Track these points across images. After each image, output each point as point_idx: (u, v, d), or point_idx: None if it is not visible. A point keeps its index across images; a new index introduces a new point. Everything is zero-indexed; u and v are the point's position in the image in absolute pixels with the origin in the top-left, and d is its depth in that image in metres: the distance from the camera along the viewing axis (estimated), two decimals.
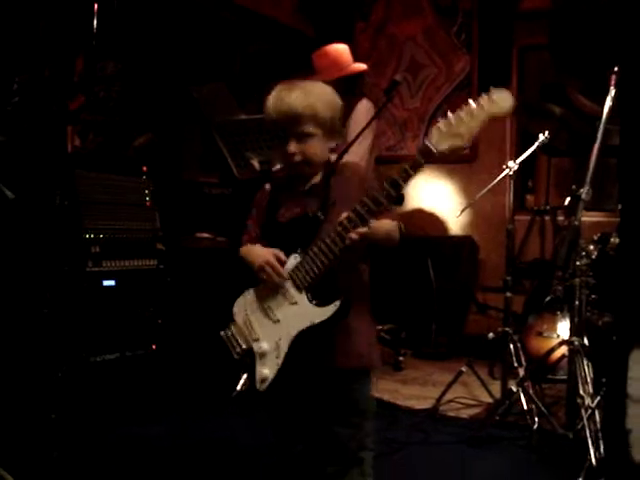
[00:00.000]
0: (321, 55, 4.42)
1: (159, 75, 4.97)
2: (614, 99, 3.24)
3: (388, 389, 4.41)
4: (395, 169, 1.91)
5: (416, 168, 1.89)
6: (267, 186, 2.32)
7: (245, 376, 2.14)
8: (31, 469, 2.78)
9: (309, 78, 4.37)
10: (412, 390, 4.43)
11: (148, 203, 4.01)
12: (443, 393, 3.92)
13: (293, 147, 2.12)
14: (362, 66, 4.47)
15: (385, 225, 2.05)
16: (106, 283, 3.72)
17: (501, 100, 1.82)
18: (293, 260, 2.07)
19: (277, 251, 2.10)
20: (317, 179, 2.18)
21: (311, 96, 2.10)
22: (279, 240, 2.13)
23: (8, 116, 3.70)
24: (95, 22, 4.17)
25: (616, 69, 3.22)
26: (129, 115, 4.57)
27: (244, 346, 2.17)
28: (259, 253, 2.14)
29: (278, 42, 6.07)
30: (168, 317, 3.97)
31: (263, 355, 2.11)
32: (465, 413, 3.90)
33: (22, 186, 3.27)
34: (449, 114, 1.85)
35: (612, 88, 3.26)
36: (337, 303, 2.00)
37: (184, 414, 3.62)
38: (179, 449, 3.23)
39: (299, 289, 2.06)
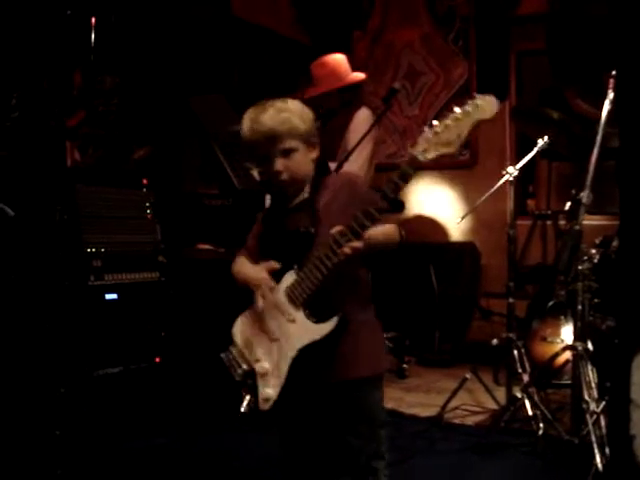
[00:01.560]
0: (319, 66, 4.43)
1: (158, 88, 4.98)
2: (612, 102, 3.24)
3: (392, 397, 4.39)
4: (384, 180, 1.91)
5: (405, 179, 1.88)
6: (268, 199, 2.33)
7: (248, 397, 2.12)
8: None
9: (308, 89, 4.41)
10: (417, 398, 4.42)
11: (149, 216, 4.01)
12: (448, 400, 3.91)
13: (279, 165, 2.10)
14: (360, 75, 4.48)
15: (381, 231, 2.03)
16: (108, 297, 3.72)
17: (486, 105, 1.81)
18: (289, 277, 2.05)
19: (267, 263, 2.11)
20: (305, 194, 2.16)
21: (284, 112, 2.10)
22: (275, 257, 2.12)
23: (7, 132, 3.70)
24: (93, 36, 4.18)
25: (614, 72, 3.23)
26: (128, 128, 4.58)
27: (245, 367, 2.14)
28: (250, 273, 2.16)
29: (276, 53, 6.08)
30: (171, 329, 3.97)
31: (265, 375, 2.09)
32: (470, 420, 3.89)
33: (22, 201, 3.28)
34: (435, 122, 1.85)
35: (610, 91, 3.26)
36: (335, 319, 1.98)
37: (188, 427, 3.61)
38: (183, 462, 3.23)
39: (296, 306, 2.04)
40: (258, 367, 2.11)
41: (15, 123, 3.75)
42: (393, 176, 1.88)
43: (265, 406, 2.08)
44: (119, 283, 3.78)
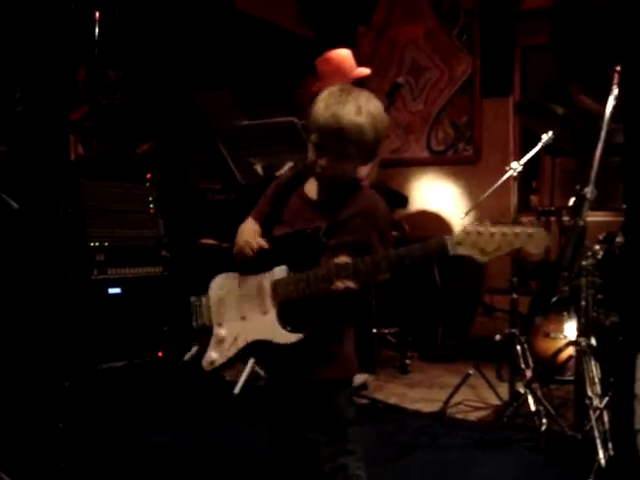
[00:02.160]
0: (324, 61, 4.41)
1: (161, 82, 4.98)
2: (617, 98, 3.23)
3: (395, 392, 4.40)
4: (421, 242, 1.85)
5: (427, 260, 1.85)
6: (289, 173, 2.30)
7: (195, 349, 2.17)
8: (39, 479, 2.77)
9: (313, 85, 4.40)
10: (419, 393, 4.42)
11: (152, 210, 4.01)
12: (451, 396, 3.91)
13: (326, 162, 2.03)
14: (366, 71, 4.47)
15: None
16: (112, 291, 3.73)
17: (537, 239, 1.77)
18: (280, 272, 2.04)
19: (261, 241, 2.11)
20: (332, 196, 2.10)
21: (363, 116, 1.99)
22: (275, 245, 2.11)
23: (11, 125, 3.70)
24: (97, 30, 4.18)
25: (618, 67, 3.22)
26: (132, 123, 4.58)
27: (206, 322, 2.18)
28: (246, 232, 2.16)
29: (281, 48, 6.07)
30: (174, 324, 3.97)
31: (219, 341, 2.13)
32: (473, 416, 3.89)
33: (26, 195, 3.28)
34: (486, 223, 1.79)
35: (615, 87, 3.25)
36: (300, 336, 1.99)
37: (191, 421, 3.61)
38: (186, 456, 3.23)
39: (273, 302, 2.04)
40: (217, 330, 2.14)
41: (19, 117, 3.75)
42: (415, 251, 1.85)
43: (208, 367, 2.13)
44: (122, 277, 3.78)
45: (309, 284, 1.97)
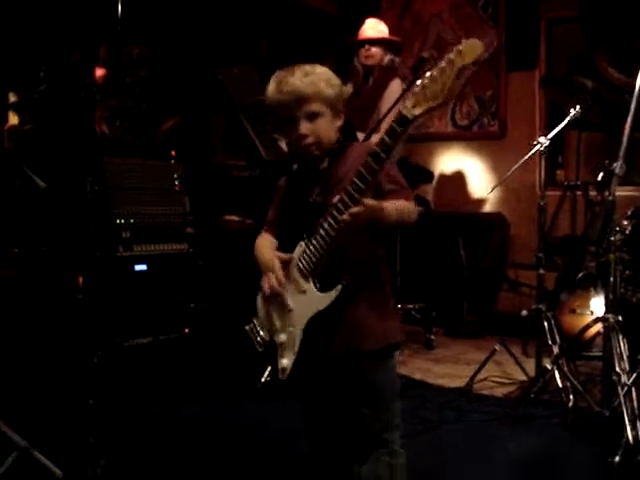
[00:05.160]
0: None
1: (185, 59, 4.97)
2: None
3: (420, 368, 4.40)
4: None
5: (395, 138, 1.82)
6: (283, 179, 2.31)
7: (270, 367, 2.14)
8: (68, 455, 2.81)
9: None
10: (445, 369, 4.42)
11: (177, 187, 4.03)
12: (477, 371, 3.90)
13: (304, 128, 2.06)
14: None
15: (394, 205, 1.99)
16: (138, 268, 3.75)
17: (468, 49, 1.74)
18: (299, 248, 2.04)
19: (279, 254, 2.11)
20: (325, 163, 2.13)
21: (312, 75, 2.06)
22: (289, 229, 2.11)
23: (35, 104, 3.72)
24: (120, 7, 4.17)
25: None
26: (156, 100, 4.58)
27: (266, 338, 2.17)
28: (265, 259, 2.15)
29: (304, 23, 6.03)
30: (200, 300, 3.99)
31: (282, 345, 2.11)
32: (499, 391, 3.89)
33: (52, 174, 3.30)
34: (425, 75, 1.78)
35: None
36: (339, 287, 1.96)
37: (216, 397, 3.64)
38: (211, 432, 3.25)
39: (305, 277, 2.03)
40: (276, 338, 2.13)
41: (43, 96, 3.77)
42: (384, 135, 1.84)
43: (282, 376, 2.10)
44: (148, 254, 3.81)
45: (324, 239, 1.96)
